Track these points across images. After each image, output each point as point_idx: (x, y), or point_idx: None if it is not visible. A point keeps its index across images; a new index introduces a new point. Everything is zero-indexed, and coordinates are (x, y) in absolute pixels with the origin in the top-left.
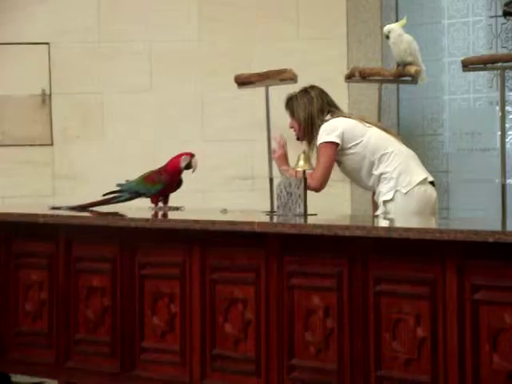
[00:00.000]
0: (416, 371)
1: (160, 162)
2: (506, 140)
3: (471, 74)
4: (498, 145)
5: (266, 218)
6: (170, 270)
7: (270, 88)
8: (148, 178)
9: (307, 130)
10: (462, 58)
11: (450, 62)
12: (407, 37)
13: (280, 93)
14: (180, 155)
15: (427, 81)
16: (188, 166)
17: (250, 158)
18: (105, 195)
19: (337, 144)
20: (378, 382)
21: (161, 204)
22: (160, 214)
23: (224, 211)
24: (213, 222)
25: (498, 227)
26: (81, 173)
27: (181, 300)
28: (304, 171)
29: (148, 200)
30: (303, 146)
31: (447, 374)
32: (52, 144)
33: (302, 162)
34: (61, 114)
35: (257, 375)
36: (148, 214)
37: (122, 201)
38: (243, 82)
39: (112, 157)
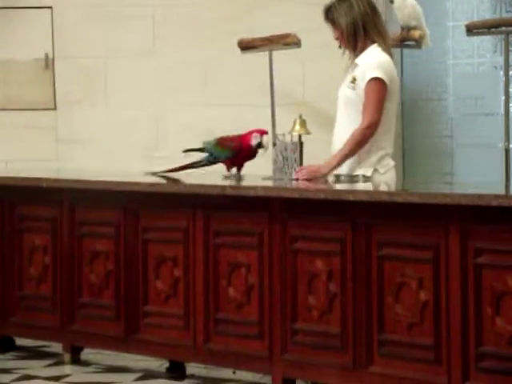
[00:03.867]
0: (419, 335)
1: (163, 126)
2: (510, 105)
3: (475, 39)
4: (502, 109)
5: (268, 183)
6: (174, 235)
7: (274, 52)
8: (221, 141)
9: (350, 37)
10: (466, 23)
11: (454, 27)
12: (411, 1)
13: (283, 57)
14: (252, 132)
15: (431, 45)
16: (260, 145)
17: (254, 123)
18: (186, 151)
19: (386, 87)
20: (380, 345)
21: (233, 171)
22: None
23: (224, 176)
24: (216, 187)
25: (501, 191)
26: (84, 137)
27: (184, 264)
28: (300, 136)
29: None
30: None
31: (450, 337)
32: (55, 108)
33: (297, 127)
34: (64, 79)
35: (260, 339)
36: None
37: (204, 165)
38: (246, 46)
39: (115, 121)
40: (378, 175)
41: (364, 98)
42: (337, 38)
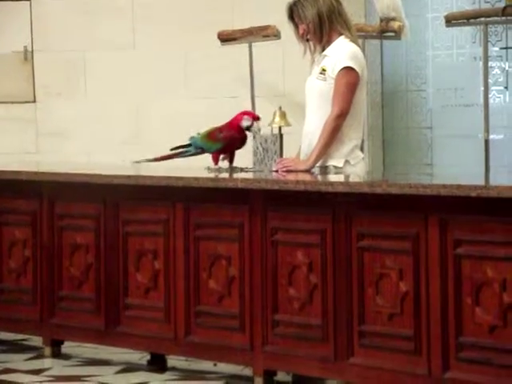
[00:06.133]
0: (399, 325)
1: (143, 118)
2: (489, 95)
3: (454, 30)
4: (482, 100)
5: (248, 175)
6: (154, 227)
7: (254, 44)
8: (210, 134)
9: (317, 29)
10: (445, 14)
11: (433, 18)
12: None
13: (263, 49)
14: (243, 113)
15: (410, 37)
16: (249, 128)
17: (234, 115)
18: (173, 149)
19: (359, 77)
20: (361, 336)
21: (223, 164)
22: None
23: (208, 169)
24: (196, 179)
25: (480, 182)
26: (64, 130)
27: (164, 257)
28: (280, 127)
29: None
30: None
31: (430, 327)
32: (35, 101)
33: (277, 119)
34: (43, 71)
35: (241, 331)
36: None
37: (188, 156)
38: (226, 38)
39: (95, 113)
40: (349, 166)
41: (334, 87)
42: (302, 34)
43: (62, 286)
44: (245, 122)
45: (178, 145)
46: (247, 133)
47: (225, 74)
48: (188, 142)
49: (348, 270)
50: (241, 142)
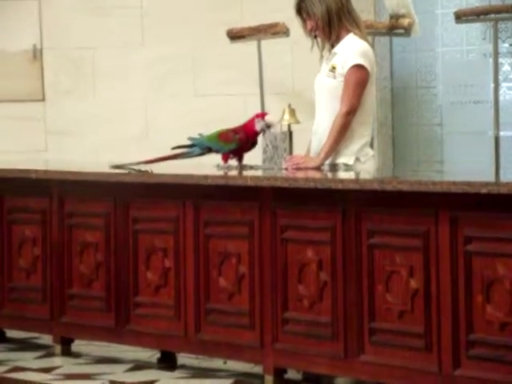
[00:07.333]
0: (409, 323)
1: (152, 116)
2: (499, 92)
3: (464, 26)
4: (491, 97)
5: (258, 172)
6: (164, 225)
7: (262, 42)
8: (222, 135)
9: (325, 26)
10: (455, 10)
11: (443, 14)
12: None
13: (272, 47)
14: (253, 118)
15: (420, 33)
16: (264, 130)
17: (243, 113)
18: (174, 148)
19: (369, 74)
20: (371, 333)
21: (232, 162)
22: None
23: (218, 166)
24: (206, 177)
25: (490, 179)
26: (73, 128)
27: (175, 254)
28: (289, 125)
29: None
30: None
31: (440, 325)
32: (44, 99)
33: (287, 116)
34: (52, 70)
35: (251, 328)
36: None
37: (193, 156)
38: (235, 36)
39: (104, 111)
40: (359, 164)
41: (344, 84)
42: (310, 30)
43: (71, 285)
44: (258, 126)
45: (179, 145)
46: (267, 130)
47: (234, 71)
48: (189, 143)
49: (358, 267)
50: (252, 145)
